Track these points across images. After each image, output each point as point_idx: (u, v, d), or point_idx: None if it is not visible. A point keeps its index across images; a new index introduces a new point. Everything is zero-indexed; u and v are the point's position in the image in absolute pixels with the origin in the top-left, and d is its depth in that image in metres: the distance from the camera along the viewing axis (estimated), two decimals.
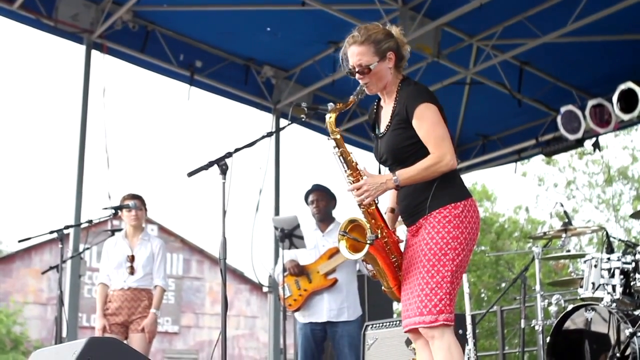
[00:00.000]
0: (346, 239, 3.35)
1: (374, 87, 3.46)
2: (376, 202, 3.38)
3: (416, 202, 3.37)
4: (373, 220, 3.35)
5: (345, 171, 3.37)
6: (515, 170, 11.34)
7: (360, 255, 3.32)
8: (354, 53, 3.42)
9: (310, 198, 5.88)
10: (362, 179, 3.32)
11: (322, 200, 5.86)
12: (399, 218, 3.60)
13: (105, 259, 6.28)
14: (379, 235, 3.33)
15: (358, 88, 3.46)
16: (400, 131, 3.38)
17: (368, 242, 3.27)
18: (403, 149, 3.38)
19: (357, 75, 3.44)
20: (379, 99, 3.60)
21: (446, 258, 3.26)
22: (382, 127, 3.51)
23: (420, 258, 3.30)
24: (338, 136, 3.38)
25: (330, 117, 3.39)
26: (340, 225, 3.37)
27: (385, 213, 3.52)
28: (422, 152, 3.33)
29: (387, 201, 3.65)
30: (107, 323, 6.03)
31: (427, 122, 3.32)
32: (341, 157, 3.36)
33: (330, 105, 3.81)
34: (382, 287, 3.52)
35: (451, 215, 3.29)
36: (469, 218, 3.32)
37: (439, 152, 3.28)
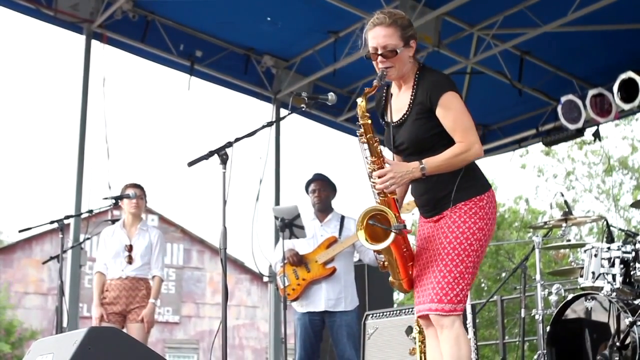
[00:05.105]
0: (364, 228, 3.23)
1: (394, 72, 3.35)
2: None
3: (440, 196, 3.32)
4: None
5: (367, 157, 3.28)
6: (511, 159, 11.34)
7: (383, 245, 3.20)
8: (379, 34, 3.29)
9: (312, 187, 5.87)
10: (385, 166, 3.25)
11: (324, 190, 5.84)
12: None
13: (102, 248, 6.28)
14: (406, 226, 3.21)
15: (380, 73, 3.32)
16: (424, 121, 3.30)
17: (394, 231, 3.16)
18: (427, 139, 3.31)
19: (379, 58, 3.31)
20: (387, 88, 3.53)
21: (471, 248, 3.24)
22: (397, 115, 3.42)
23: (444, 245, 3.26)
24: (369, 121, 3.24)
25: (361, 101, 3.24)
26: (362, 214, 3.24)
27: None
28: (444, 142, 3.27)
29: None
30: (104, 312, 6.04)
31: (453, 111, 3.27)
32: (367, 144, 3.26)
33: (331, 94, 3.81)
34: (390, 278, 3.45)
35: (477, 207, 3.28)
36: (491, 209, 3.33)
37: (467, 141, 3.23)
